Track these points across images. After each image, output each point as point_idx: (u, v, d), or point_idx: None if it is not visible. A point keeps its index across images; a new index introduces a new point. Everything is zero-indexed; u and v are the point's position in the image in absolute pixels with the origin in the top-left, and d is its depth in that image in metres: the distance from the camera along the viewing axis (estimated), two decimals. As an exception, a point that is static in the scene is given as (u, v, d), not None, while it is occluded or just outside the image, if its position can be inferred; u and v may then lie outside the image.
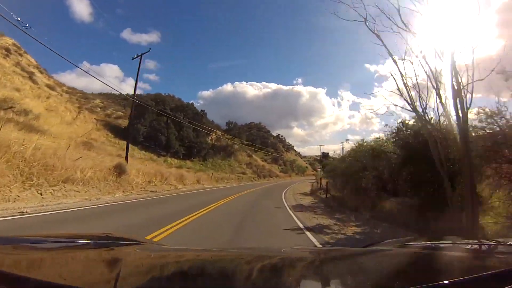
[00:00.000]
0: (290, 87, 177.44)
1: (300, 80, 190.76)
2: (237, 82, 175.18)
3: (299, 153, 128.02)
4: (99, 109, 45.43)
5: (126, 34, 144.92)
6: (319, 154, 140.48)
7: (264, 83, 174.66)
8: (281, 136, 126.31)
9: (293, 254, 1.41)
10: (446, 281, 0.70)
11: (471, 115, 6.48)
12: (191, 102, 52.45)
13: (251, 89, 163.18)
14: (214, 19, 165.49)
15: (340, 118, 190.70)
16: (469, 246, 1.45)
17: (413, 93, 7.43)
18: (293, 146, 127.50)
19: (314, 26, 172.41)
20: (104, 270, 1.04)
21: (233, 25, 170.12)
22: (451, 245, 1.47)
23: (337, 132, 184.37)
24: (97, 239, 1.56)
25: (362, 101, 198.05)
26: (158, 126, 45.96)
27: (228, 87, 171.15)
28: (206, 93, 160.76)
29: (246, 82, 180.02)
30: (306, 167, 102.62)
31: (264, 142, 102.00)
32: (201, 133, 51.29)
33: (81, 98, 42.60)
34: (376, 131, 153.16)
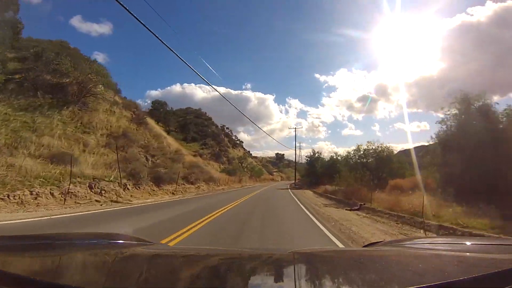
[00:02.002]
0: (239, 91, 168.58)
1: (249, 86, 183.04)
2: (186, 84, 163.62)
3: (249, 151, 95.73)
4: None
5: (76, 22, 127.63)
6: (271, 157, 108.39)
7: (214, 86, 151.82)
8: (227, 128, 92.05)
9: (292, 255, 1.36)
10: (446, 281, 0.70)
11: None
12: None
13: (200, 92, 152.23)
14: (167, 19, 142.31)
15: (287, 125, 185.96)
16: (469, 246, 1.36)
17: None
18: (242, 143, 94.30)
19: (265, 32, 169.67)
20: (106, 270, 1.01)
21: (185, 27, 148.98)
22: (451, 245, 1.45)
23: (283, 138, 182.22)
24: (99, 238, 1.51)
25: (309, 110, 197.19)
26: None
27: (177, 87, 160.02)
28: (154, 93, 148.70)
29: (195, 84, 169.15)
30: (262, 170, 70.46)
31: (202, 131, 68.57)
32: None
33: None
34: (322, 139, 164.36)
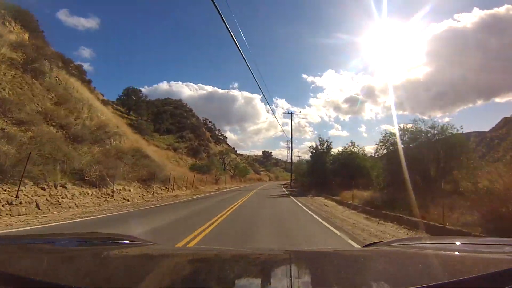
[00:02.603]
0: (226, 90, 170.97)
1: (236, 85, 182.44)
2: (173, 82, 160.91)
3: (234, 148, 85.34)
4: None
5: (62, 15, 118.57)
6: (258, 155, 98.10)
7: (200, 84, 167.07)
8: (210, 121, 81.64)
9: (292, 255, 1.31)
10: (446, 281, 0.70)
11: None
12: None
13: (187, 90, 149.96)
14: (156, 17, 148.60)
15: (274, 125, 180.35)
16: (469, 246, 1.36)
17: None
18: (226, 138, 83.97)
19: (254, 32, 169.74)
20: (105, 270, 1.00)
21: (173, 25, 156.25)
22: (451, 245, 1.44)
23: (269, 138, 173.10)
24: (99, 239, 1.49)
25: (296, 110, 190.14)
26: None
27: (164, 85, 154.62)
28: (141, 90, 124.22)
29: (182, 82, 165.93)
30: (247, 168, 60.19)
31: (180, 123, 59.56)
32: None
33: None
34: (309, 140, 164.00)
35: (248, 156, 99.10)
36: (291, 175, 34.60)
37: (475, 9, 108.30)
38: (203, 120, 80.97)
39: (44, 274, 0.86)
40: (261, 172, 78.98)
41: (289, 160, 42.12)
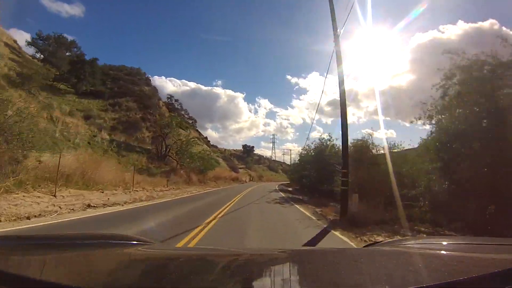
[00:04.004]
0: (210, 88, 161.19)
1: (220, 82, 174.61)
2: (157, 76, 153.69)
3: (206, 138, 62.93)
4: None
5: (46, 0, 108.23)
6: (237, 150, 74.32)
7: (184, 80, 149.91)
8: (176, 100, 59.57)
9: (292, 255, 1.33)
10: (446, 281, 0.70)
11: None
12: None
13: (170, 85, 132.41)
14: (142, 9, 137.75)
15: (256, 125, 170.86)
16: (470, 246, 1.37)
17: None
18: (195, 122, 61.42)
19: (240, 31, 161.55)
20: (105, 270, 1.00)
21: (160, 17, 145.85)
22: (451, 245, 1.43)
23: (250, 137, 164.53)
24: (99, 239, 1.48)
25: (279, 111, 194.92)
26: None
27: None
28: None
29: (166, 77, 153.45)
30: (217, 162, 37.90)
31: (122, 87, 40.65)
32: None
33: None
34: (290, 141, 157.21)
35: (225, 150, 76.96)
36: (346, 156, 9.17)
37: (460, 22, 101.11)
38: (168, 97, 58.32)
39: (44, 274, 0.84)
40: (240, 170, 57.04)
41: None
